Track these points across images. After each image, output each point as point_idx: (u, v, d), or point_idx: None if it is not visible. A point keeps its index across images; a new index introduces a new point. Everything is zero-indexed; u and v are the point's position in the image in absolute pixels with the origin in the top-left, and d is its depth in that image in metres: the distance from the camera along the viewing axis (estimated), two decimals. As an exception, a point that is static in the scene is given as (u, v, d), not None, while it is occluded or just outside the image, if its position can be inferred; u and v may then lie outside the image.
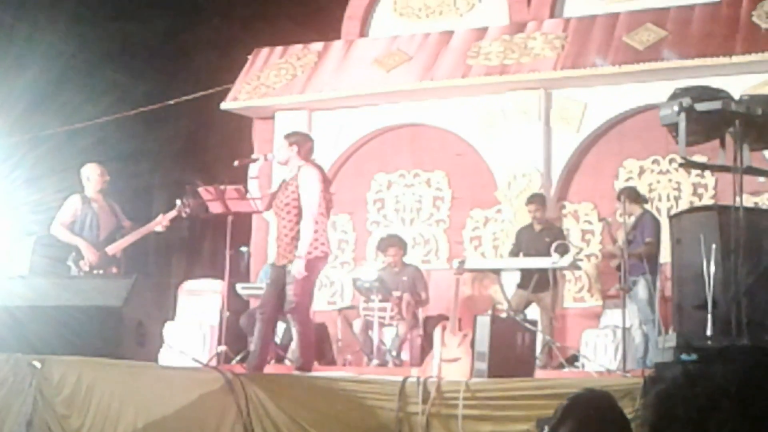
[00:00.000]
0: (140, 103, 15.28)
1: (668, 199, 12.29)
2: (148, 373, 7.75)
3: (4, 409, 7.51)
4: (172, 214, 9.62)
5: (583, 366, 10.53)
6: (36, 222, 11.68)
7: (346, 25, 14.41)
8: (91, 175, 9.88)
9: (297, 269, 8.26)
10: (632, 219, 10.77)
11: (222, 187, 9.31)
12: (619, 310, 10.39)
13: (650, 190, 12.38)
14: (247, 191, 9.37)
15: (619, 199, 10.70)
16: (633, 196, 10.88)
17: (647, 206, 11.31)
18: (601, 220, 11.85)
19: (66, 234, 9.65)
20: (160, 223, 9.67)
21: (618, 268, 10.78)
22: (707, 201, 11.91)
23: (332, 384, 7.47)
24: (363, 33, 14.31)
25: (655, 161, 12.46)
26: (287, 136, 8.73)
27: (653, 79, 11.89)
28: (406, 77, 13.17)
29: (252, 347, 8.71)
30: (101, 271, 9.55)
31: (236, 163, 9.06)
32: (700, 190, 12.28)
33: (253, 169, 8.84)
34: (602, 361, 10.40)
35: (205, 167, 15.19)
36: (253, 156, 9.07)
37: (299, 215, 8.38)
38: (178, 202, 9.55)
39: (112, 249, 9.66)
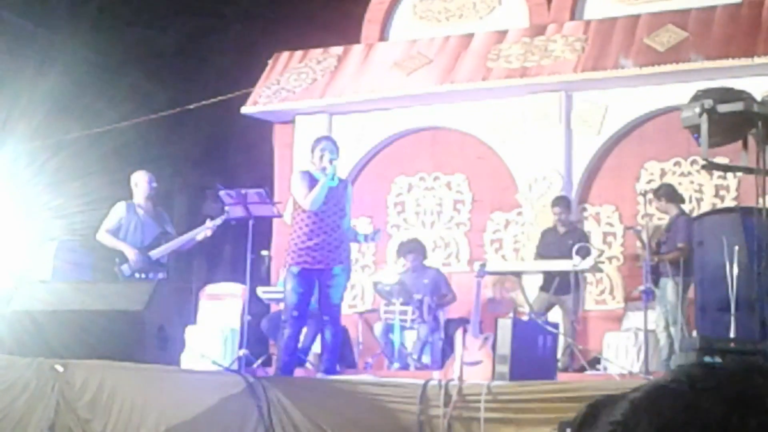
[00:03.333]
0: (161, 108, 15.33)
1: (690, 201, 12.21)
2: (169, 377, 7.76)
3: (27, 413, 7.53)
4: (219, 221, 9.75)
5: (605, 369, 10.49)
6: (58, 227, 11.75)
7: (366, 28, 14.41)
8: (140, 181, 10.09)
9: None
10: (666, 219, 10.73)
11: (243, 191, 9.34)
12: (641, 312, 10.35)
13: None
14: (268, 195, 9.41)
15: (656, 197, 10.63)
16: (671, 194, 10.83)
17: (684, 206, 11.22)
18: (628, 228, 11.75)
19: (110, 239, 9.85)
20: (207, 229, 9.83)
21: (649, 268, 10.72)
22: (729, 203, 11.84)
23: (354, 387, 7.48)
24: (383, 36, 14.30)
25: (676, 163, 12.40)
26: (338, 148, 8.92)
27: (674, 80, 11.85)
28: (426, 80, 13.16)
29: (282, 352, 8.74)
30: (146, 276, 9.72)
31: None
32: (722, 192, 12.21)
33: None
34: (624, 364, 10.36)
35: (226, 171, 15.23)
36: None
37: (346, 222, 8.82)
38: (227, 208, 9.65)
39: (157, 253, 9.82)
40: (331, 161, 8.65)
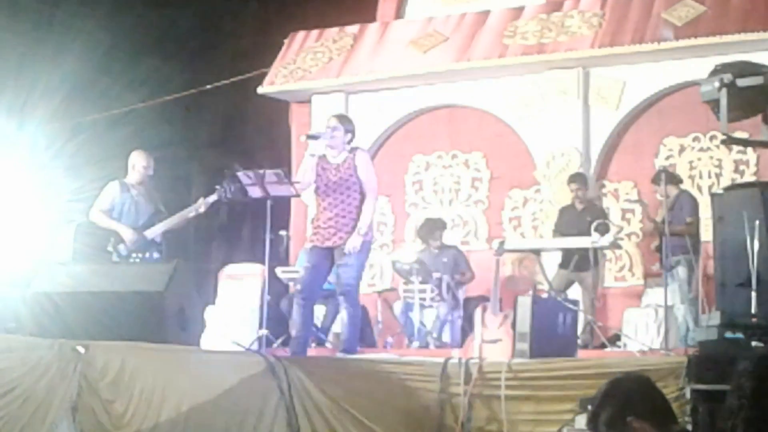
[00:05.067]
0: (178, 90, 15.34)
1: (709, 177, 12.18)
2: (190, 358, 7.79)
3: (50, 394, 7.57)
4: (212, 198, 9.68)
5: (625, 345, 10.48)
6: (77, 210, 11.76)
7: (382, 7, 14.37)
8: (137, 163, 9.96)
9: (353, 244, 8.42)
10: (670, 200, 10.70)
11: (261, 171, 9.32)
12: (660, 288, 10.33)
13: (691, 168, 12.28)
14: (286, 175, 9.39)
15: (654, 181, 10.63)
16: (668, 177, 10.82)
17: (683, 186, 11.23)
18: (636, 201, 11.78)
19: (104, 219, 9.72)
20: (200, 206, 9.72)
21: (657, 249, 10.73)
22: (749, 178, 11.79)
23: (374, 366, 7.49)
24: (398, 15, 14.26)
25: (695, 138, 12.35)
26: (343, 121, 8.85)
27: (692, 55, 11.79)
28: (443, 58, 13.12)
29: (294, 332, 8.75)
30: (141, 255, 9.62)
31: (302, 138, 9.19)
32: (742, 167, 12.16)
33: (314, 146, 8.81)
34: (644, 340, 10.33)
35: (243, 152, 15.26)
36: (316, 133, 9.12)
37: (359, 198, 8.61)
38: (218, 187, 9.61)
39: (152, 233, 9.72)
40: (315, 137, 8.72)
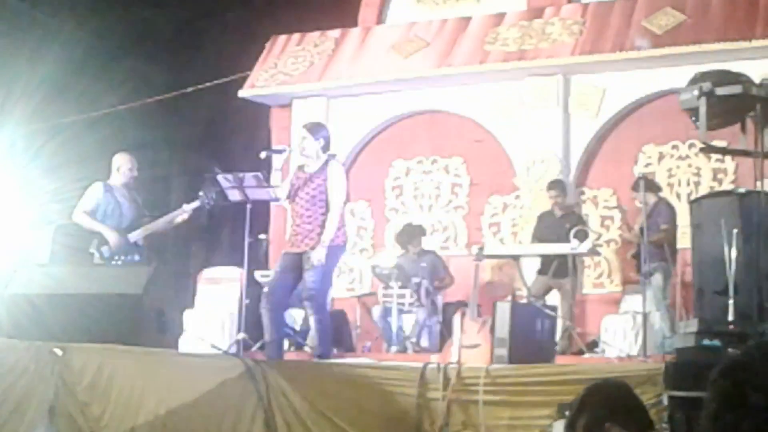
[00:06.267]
0: (159, 92, 15.31)
1: (688, 184, 12.24)
2: (168, 361, 7.76)
3: (27, 397, 7.54)
4: (195, 204, 9.65)
5: (603, 351, 10.51)
6: (56, 211, 11.72)
7: (364, 12, 14.39)
8: (122, 166, 9.91)
9: (318, 257, 8.39)
10: (648, 207, 10.74)
11: (240, 174, 9.31)
12: (638, 295, 10.38)
13: (670, 176, 12.34)
14: (265, 179, 9.38)
15: (634, 188, 10.68)
16: (647, 184, 10.86)
17: (662, 194, 11.28)
18: (615, 208, 11.84)
19: (88, 221, 9.66)
20: (183, 212, 9.70)
21: (634, 256, 10.79)
22: (727, 186, 11.84)
23: (352, 371, 7.48)
24: (380, 20, 14.28)
25: (674, 146, 12.41)
26: (313, 131, 8.83)
27: (672, 64, 11.84)
28: (424, 64, 13.15)
29: (267, 337, 8.74)
30: (124, 258, 9.58)
31: (263, 154, 9.14)
32: (720, 176, 12.22)
33: (277, 161, 8.88)
34: (622, 347, 10.38)
35: (223, 155, 15.22)
36: (279, 147, 9.16)
37: (325, 207, 8.60)
38: (201, 193, 9.58)
39: (135, 236, 9.68)
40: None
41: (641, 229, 10.22)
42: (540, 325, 8.30)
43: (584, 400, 4.53)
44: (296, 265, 8.61)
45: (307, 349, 10.94)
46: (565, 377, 6.96)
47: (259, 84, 13.93)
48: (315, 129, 8.91)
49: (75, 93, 15.26)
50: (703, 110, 6.99)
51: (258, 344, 10.64)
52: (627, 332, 10.78)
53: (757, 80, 7.45)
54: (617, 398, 4.50)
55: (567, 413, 5.98)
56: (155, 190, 13.66)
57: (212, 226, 17.78)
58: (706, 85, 6.99)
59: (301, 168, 8.81)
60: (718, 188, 11.87)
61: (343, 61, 13.68)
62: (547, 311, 8.64)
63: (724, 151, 9.04)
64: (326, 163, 8.72)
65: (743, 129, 7.36)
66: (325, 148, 8.77)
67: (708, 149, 7.56)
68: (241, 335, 9.60)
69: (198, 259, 16.77)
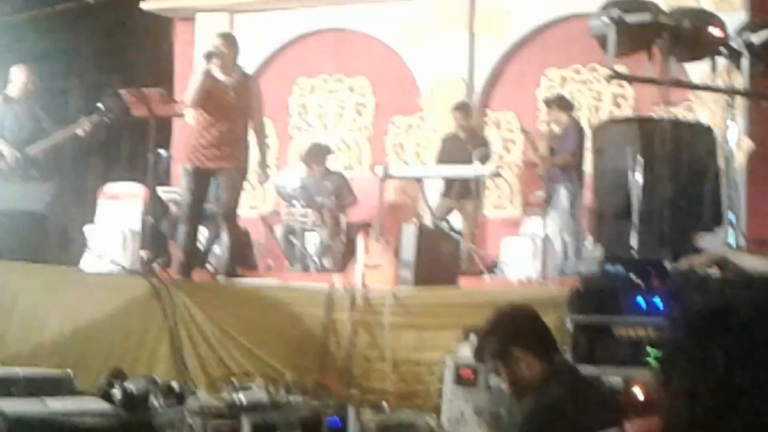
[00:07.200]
0: (57, 1, 14.87)
1: (589, 109, 12.36)
2: (73, 279, 7.71)
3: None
4: (95, 119, 9.47)
5: (502, 273, 10.65)
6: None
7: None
8: (18, 78, 9.67)
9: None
10: (558, 127, 10.83)
11: (145, 90, 9.15)
12: (537, 218, 10.51)
13: (571, 99, 12.43)
14: (170, 95, 9.26)
15: (547, 106, 10.72)
16: (562, 103, 10.94)
17: (573, 114, 11.36)
18: (522, 131, 11.91)
19: None
20: (82, 126, 9.51)
21: (541, 177, 10.89)
22: (626, 111, 12.02)
23: (259, 292, 7.51)
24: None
25: (576, 70, 12.50)
26: (228, 39, 8.76)
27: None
28: (331, -21, 13.01)
29: (180, 254, 8.69)
30: (21, 173, 9.38)
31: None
32: (620, 100, 12.36)
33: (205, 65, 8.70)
34: (522, 269, 10.50)
35: (124, 68, 14.91)
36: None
37: (245, 121, 8.60)
38: (100, 105, 9.40)
39: (34, 150, 9.47)
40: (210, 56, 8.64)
41: (551, 149, 10.33)
42: (445, 247, 8.39)
43: (492, 325, 4.63)
44: (208, 180, 8.58)
45: (209, 267, 10.88)
46: (470, 300, 7.07)
47: (162, -5, 13.65)
48: (233, 40, 8.87)
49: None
50: (611, 37, 7.09)
51: (159, 260, 10.55)
52: (526, 254, 10.92)
53: (665, 8, 7.57)
54: (523, 322, 4.61)
55: (471, 335, 6.11)
56: (53, 103, 13.34)
57: (110, 140, 17.45)
58: (615, 12, 7.08)
59: (213, 78, 8.66)
60: (617, 113, 12.04)
61: (249, -25, 13.46)
62: (453, 234, 8.73)
63: (631, 79, 9.16)
64: (247, 78, 8.73)
65: (650, 56, 7.47)
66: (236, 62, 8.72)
67: (615, 76, 7.65)
68: (144, 252, 9.50)
69: (96, 173, 16.48)
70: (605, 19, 7.10)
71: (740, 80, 7.89)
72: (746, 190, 10.45)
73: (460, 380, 6.32)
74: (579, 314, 6.05)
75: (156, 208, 10.64)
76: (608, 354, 5.94)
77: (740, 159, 9.89)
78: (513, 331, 4.52)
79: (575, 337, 5.99)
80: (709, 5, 10.83)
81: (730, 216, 8.18)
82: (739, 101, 8.65)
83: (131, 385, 5.61)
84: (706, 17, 7.65)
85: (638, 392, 5.64)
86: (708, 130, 9.19)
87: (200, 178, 8.60)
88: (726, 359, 1.61)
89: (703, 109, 11.09)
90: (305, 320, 7.24)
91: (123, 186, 12.32)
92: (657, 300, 5.91)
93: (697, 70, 9.97)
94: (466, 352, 6.28)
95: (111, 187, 12.39)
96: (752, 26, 7.77)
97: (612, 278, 6.14)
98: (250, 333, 7.22)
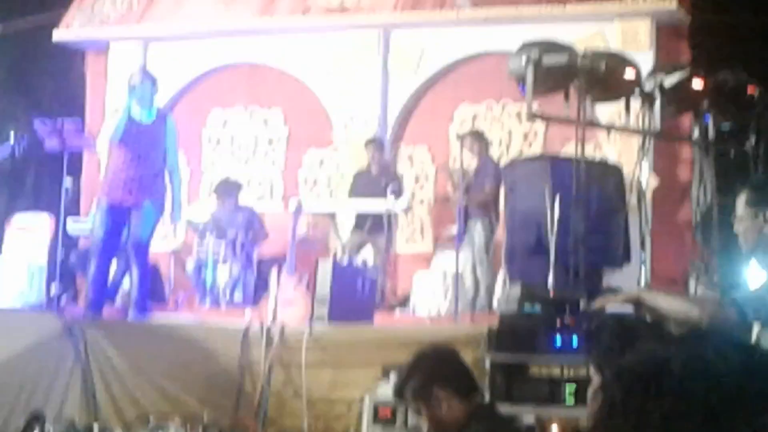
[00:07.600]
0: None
1: (500, 145, 12.44)
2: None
3: None
4: (5, 151, 9.32)
5: (413, 308, 10.67)
6: None
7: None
8: None
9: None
10: (473, 164, 10.89)
11: (60, 120, 9.01)
12: (449, 252, 10.55)
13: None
14: (83, 127, 9.14)
15: (464, 141, 10.73)
16: (480, 139, 11.02)
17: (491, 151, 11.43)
18: (441, 169, 11.95)
19: None
20: None
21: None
22: (536, 149, 12.13)
23: (175, 330, 7.42)
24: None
25: (488, 107, 12.60)
26: (147, 76, 8.74)
27: (490, 24, 12.01)
28: (246, 13, 12.96)
29: (90, 291, 8.56)
30: None
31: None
32: (530, 138, 12.47)
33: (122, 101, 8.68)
34: (433, 304, 10.54)
35: (33, 99, 14.66)
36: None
37: (162, 160, 8.61)
38: (11, 138, 9.24)
39: None
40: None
41: (466, 187, 10.38)
42: (360, 284, 8.38)
43: (413, 366, 4.65)
44: (124, 217, 8.50)
45: (117, 302, 10.71)
46: (386, 337, 7.08)
47: (74, 25, 13.44)
48: (151, 75, 8.83)
49: None
50: (530, 78, 7.20)
51: (64, 294, 10.36)
52: (437, 289, 10.96)
53: (577, 46, 7.73)
54: (445, 363, 4.64)
55: (392, 374, 6.11)
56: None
57: (16, 170, 17.16)
58: (534, 53, 7.19)
59: (130, 115, 8.61)
60: (527, 150, 12.15)
61: (164, 5, 13.32)
62: (367, 269, 8.73)
63: (548, 118, 9.31)
64: (163, 117, 8.67)
65: (567, 97, 7.60)
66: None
67: (534, 116, 7.79)
68: (55, 287, 9.35)
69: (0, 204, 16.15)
70: (524, 60, 7.21)
71: (651, 120, 8.07)
72: (651, 227, 10.62)
73: (378, 419, 6.32)
74: (496, 352, 6.09)
75: (64, 240, 10.48)
76: (525, 392, 5.99)
77: (648, 197, 10.05)
78: (435, 371, 4.55)
79: (493, 376, 6.03)
80: (618, 45, 11.03)
81: (641, 254, 8.34)
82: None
83: (51, 428, 5.51)
84: (620, 61, 7.82)
85: (555, 430, 5.69)
86: (616, 169, 9.38)
87: (116, 215, 8.52)
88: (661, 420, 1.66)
89: (610, 147, 11.25)
90: (221, 358, 7.18)
91: (30, 217, 12.11)
92: (573, 339, 5.98)
93: (605, 110, 10.16)
94: (384, 390, 6.27)
95: (19, 219, 12.19)
96: (664, 69, 7.95)
97: (529, 317, 6.19)
98: (166, 372, 7.13)
